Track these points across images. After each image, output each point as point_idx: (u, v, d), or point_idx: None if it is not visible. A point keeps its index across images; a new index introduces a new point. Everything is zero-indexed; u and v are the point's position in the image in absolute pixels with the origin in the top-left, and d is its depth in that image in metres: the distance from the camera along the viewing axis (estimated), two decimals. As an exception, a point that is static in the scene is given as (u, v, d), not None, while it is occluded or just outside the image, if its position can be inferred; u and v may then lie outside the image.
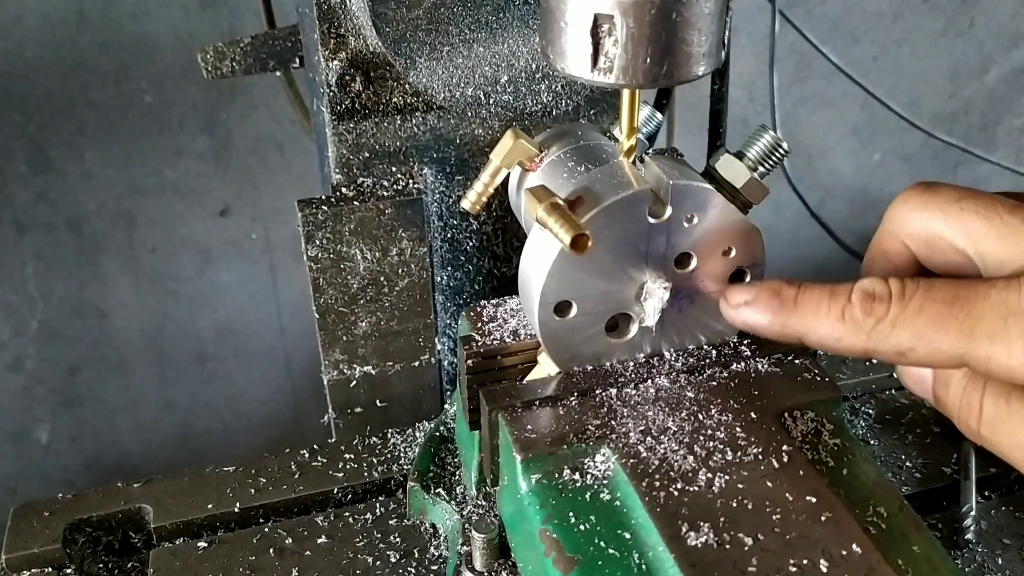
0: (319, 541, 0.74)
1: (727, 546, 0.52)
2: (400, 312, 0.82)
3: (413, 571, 0.72)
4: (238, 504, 0.77)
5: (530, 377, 0.67)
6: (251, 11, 1.38)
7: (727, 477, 0.56)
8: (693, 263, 0.63)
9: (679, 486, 0.56)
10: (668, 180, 0.59)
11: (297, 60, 0.95)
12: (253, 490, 0.79)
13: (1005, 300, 0.45)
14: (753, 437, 0.59)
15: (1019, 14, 1.88)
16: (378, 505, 0.78)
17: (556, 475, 0.58)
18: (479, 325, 0.68)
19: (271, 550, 0.73)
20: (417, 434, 0.85)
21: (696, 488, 0.56)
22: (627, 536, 0.55)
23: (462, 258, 0.87)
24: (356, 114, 0.78)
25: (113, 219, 1.53)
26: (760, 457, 0.58)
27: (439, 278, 0.87)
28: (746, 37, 1.63)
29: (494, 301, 0.70)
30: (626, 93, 0.60)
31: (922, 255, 0.53)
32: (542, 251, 0.60)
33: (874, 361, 0.91)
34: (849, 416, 0.85)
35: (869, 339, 0.48)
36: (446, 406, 0.84)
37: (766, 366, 0.66)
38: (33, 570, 0.73)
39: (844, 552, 0.51)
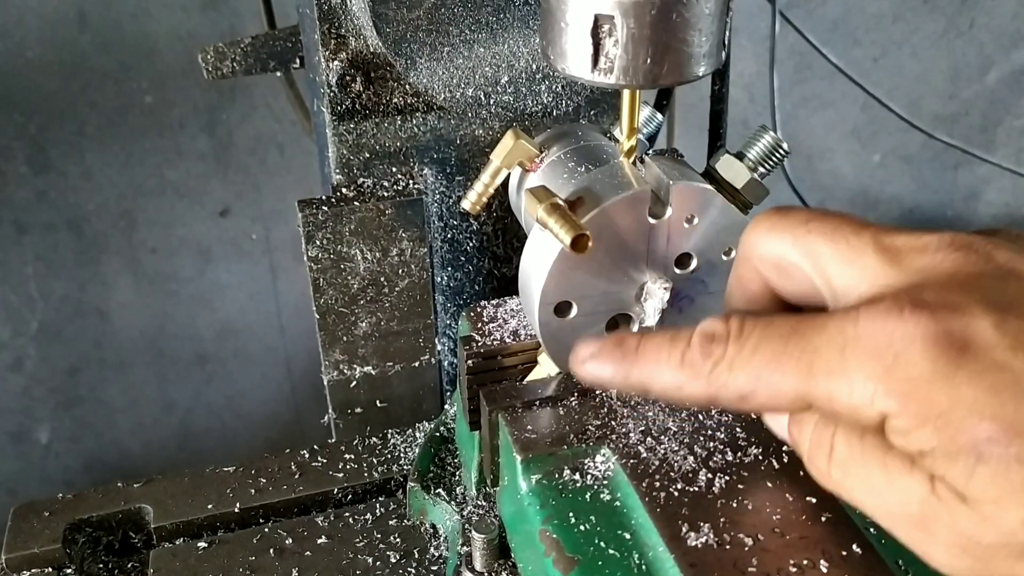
0: (319, 541, 0.74)
1: (727, 546, 0.52)
2: (400, 312, 0.82)
3: (413, 571, 0.72)
4: (238, 504, 0.77)
5: (530, 377, 0.67)
6: (251, 12, 1.38)
7: (727, 477, 0.56)
8: (693, 263, 0.63)
9: (679, 486, 0.56)
10: (668, 180, 0.59)
11: (297, 60, 0.95)
12: (253, 490, 0.79)
13: (842, 331, 0.41)
14: (753, 437, 0.59)
15: (1019, 15, 1.88)
16: (378, 505, 0.78)
17: (556, 475, 0.58)
18: (479, 325, 0.68)
19: (271, 550, 0.73)
20: (417, 434, 0.85)
21: (696, 488, 0.56)
22: (627, 536, 0.55)
23: (462, 258, 0.87)
24: (356, 114, 0.78)
25: (113, 219, 1.53)
26: (760, 458, 0.58)
27: (439, 278, 0.87)
28: (746, 38, 1.63)
29: (494, 301, 0.70)
30: (626, 93, 0.60)
31: (774, 282, 0.49)
32: (542, 251, 0.60)
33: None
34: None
35: (709, 385, 0.44)
36: (446, 406, 0.84)
37: (766, 367, 0.66)
38: (33, 570, 0.73)
39: (844, 553, 0.51)
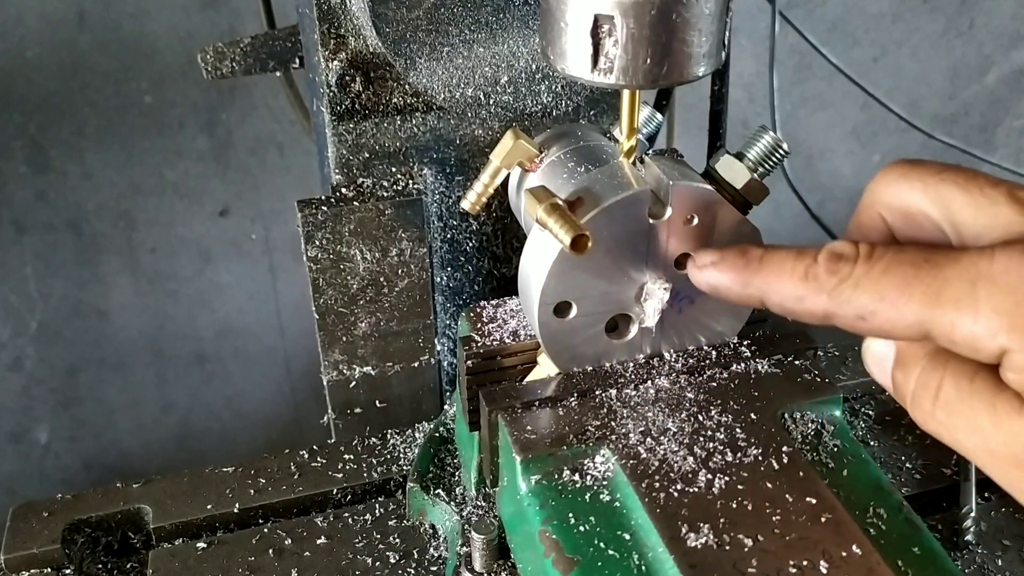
0: (318, 542, 0.74)
1: (727, 547, 0.52)
2: (400, 313, 0.82)
3: (412, 572, 0.72)
4: (237, 505, 0.77)
5: (530, 378, 0.67)
6: (251, 11, 1.38)
7: (727, 478, 0.56)
8: (693, 264, 0.63)
9: (679, 487, 0.56)
10: (668, 181, 0.59)
11: (297, 60, 0.94)
12: (252, 491, 0.78)
13: (975, 264, 0.42)
14: (753, 438, 0.59)
15: (1019, 15, 1.88)
16: (377, 506, 0.78)
17: (556, 476, 0.58)
18: (479, 326, 0.68)
19: (270, 551, 0.73)
20: (417, 435, 0.85)
21: (696, 489, 0.56)
22: (627, 537, 0.55)
23: (462, 259, 0.87)
24: (356, 114, 0.78)
25: (113, 219, 1.53)
26: (760, 458, 0.58)
27: (439, 279, 0.87)
28: (746, 38, 1.63)
29: (494, 302, 0.70)
30: (626, 94, 0.60)
31: (898, 228, 0.50)
32: (542, 252, 0.60)
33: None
34: (849, 417, 0.85)
35: (830, 299, 0.46)
36: (446, 407, 0.84)
37: (766, 367, 0.66)
38: (32, 570, 0.73)
39: (844, 553, 0.51)
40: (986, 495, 0.78)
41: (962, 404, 0.44)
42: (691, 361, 0.66)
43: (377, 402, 0.86)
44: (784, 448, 0.58)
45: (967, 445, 0.44)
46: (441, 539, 0.74)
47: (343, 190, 0.79)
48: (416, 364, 0.85)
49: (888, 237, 0.51)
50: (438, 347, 0.86)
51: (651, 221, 0.60)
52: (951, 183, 0.47)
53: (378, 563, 0.72)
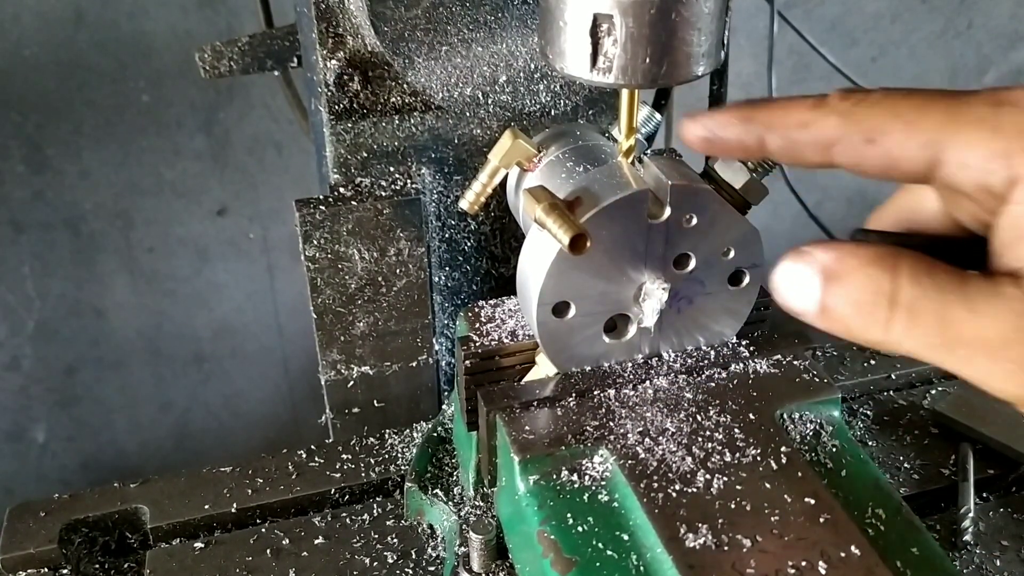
0: (316, 542, 0.74)
1: (725, 548, 0.52)
2: (398, 312, 0.82)
3: (411, 572, 0.72)
4: (235, 505, 0.77)
5: (528, 378, 0.67)
6: (249, 10, 1.37)
7: (725, 478, 0.56)
8: (692, 264, 0.63)
9: (677, 487, 0.56)
10: (667, 181, 0.59)
11: (295, 60, 0.94)
12: (250, 490, 0.78)
13: (999, 91, 0.41)
14: (752, 438, 0.59)
15: (1017, 15, 1.88)
16: (375, 506, 0.78)
17: (554, 476, 0.58)
18: (477, 325, 0.68)
19: (268, 551, 0.73)
20: (415, 435, 0.84)
21: (695, 489, 0.55)
22: (625, 537, 0.54)
23: (460, 258, 0.87)
24: (354, 114, 0.78)
25: (110, 219, 1.53)
26: (759, 458, 0.58)
27: (437, 278, 0.87)
28: (744, 38, 1.63)
29: (492, 301, 0.70)
30: (625, 93, 0.60)
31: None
32: (540, 251, 0.60)
33: (872, 362, 0.91)
34: (847, 417, 0.85)
35: (840, 120, 0.43)
36: (444, 407, 0.84)
37: (765, 367, 0.66)
38: (29, 570, 0.73)
39: (843, 554, 0.51)
40: (984, 495, 0.78)
41: (928, 300, 0.41)
42: (690, 361, 0.66)
43: (375, 402, 0.86)
44: (783, 448, 0.58)
45: (933, 349, 0.41)
46: (439, 539, 0.74)
47: (341, 190, 0.79)
48: (414, 364, 0.85)
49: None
50: (436, 347, 0.85)
51: (650, 221, 0.60)
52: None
53: (376, 563, 0.72)
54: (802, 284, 0.44)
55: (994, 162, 0.40)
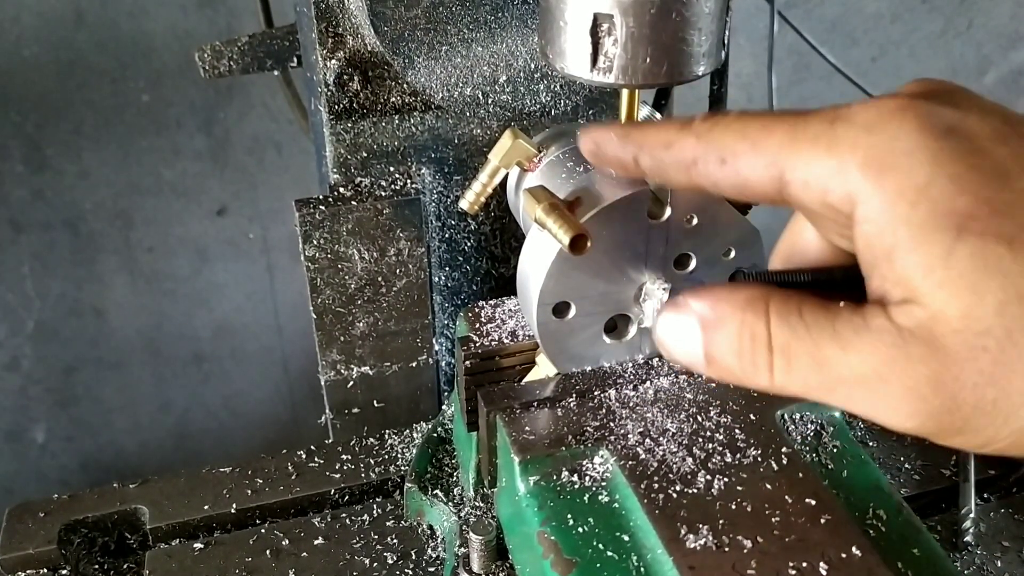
0: (316, 542, 0.74)
1: (726, 549, 0.51)
2: (398, 312, 0.82)
3: (410, 573, 0.72)
4: (235, 505, 0.77)
5: (528, 378, 0.66)
6: (249, 10, 1.37)
7: (726, 479, 0.56)
8: (692, 264, 0.63)
9: (678, 488, 0.55)
10: (667, 181, 0.59)
11: (295, 59, 0.94)
12: (250, 491, 0.78)
13: (837, 109, 0.41)
14: (752, 439, 0.59)
15: (1017, 16, 1.88)
16: (375, 506, 0.78)
17: (554, 477, 0.58)
18: (477, 326, 0.67)
19: (268, 551, 0.73)
20: (415, 435, 0.84)
21: (695, 490, 0.55)
22: (626, 538, 0.54)
23: (460, 258, 0.87)
24: (354, 114, 0.78)
25: (110, 218, 1.53)
26: (759, 459, 0.57)
27: (437, 278, 0.87)
28: (744, 38, 1.63)
29: (492, 302, 0.70)
30: (625, 93, 0.60)
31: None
32: (541, 252, 0.60)
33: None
34: (848, 418, 0.85)
35: (697, 142, 0.44)
36: (444, 407, 0.84)
37: (765, 368, 0.65)
38: (28, 571, 0.73)
39: (844, 555, 0.51)
40: (985, 496, 0.78)
41: (799, 341, 0.41)
42: (690, 361, 0.66)
43: (375, 402, 0.86)
44: (783, 449, 0.58)
45: (814, 388, 0.41)
46: (439, 540, 0.74)
47: (341, 189, 0.79)
48: (414, 364, 0.85)
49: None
50: (436, 347, 0.85)
51: (650, 221, 0.60)
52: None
53: (376, 564, 0.72)
54: (683, 336, 0.44)
55: (831, 179, 0.40)
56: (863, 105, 0.41)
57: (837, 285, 0.44)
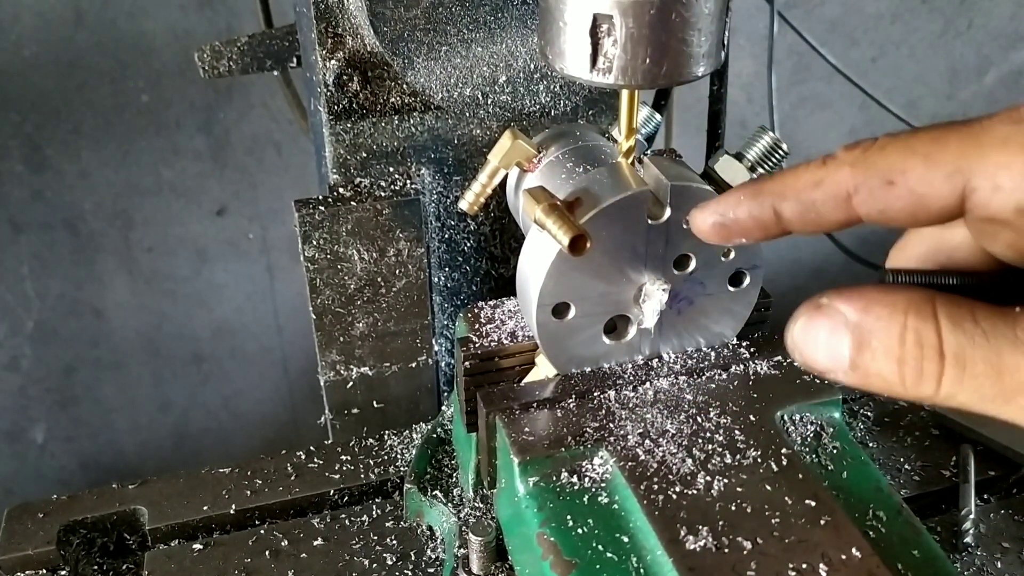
0: (315, 543, 0.74)
1: (726, 550, 0.51)
2: (397, 313, 0.82)
3: (410, 573, 0.72)
4: (234, 506, 0.77)
5: (528, 379, 0.66)
6: (248, 10, 1.37)
7: (726, 480, 0.56)
8: (692, 265, 0.63)
9: (678, 489, 0.55)
10: (667, 181, 0.59)
11: (294, 60, 0.94)
12: (249, 492, 0.78)
13: (1017, 110, 0.37)
14: (752, 440, 0.59)
15: (1017, 16, 1.88)
16: (375, 507, 0.78)
17: (554, 478, 0.58)
18: (477, 326, 0.67)
19: (267, 552, 0.73)
20: (414, 436, 0.84)
21: (695, 491, 0.55)
22: (625, 539, 0.54)
23: (460, 259, 0.87)
24: (353, 114, 0.78)
25: (109, 218, 1.53)
26: (759, 460, 0.57)
27: (436, 279, 0.87)
28: (744, 38, 1.63)
29: (492, 302, 0.70)
30: (625, 94, 0.60)
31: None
32: (540, 252, 0.60)
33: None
34: (848, 418, 0.85)
35: (854, 170, 0.40)
36: (443, 408, 0.84)
37: (765, 368, 0.65)
38: (27, 572, 0.72)
39: (843, 556, 0.51)
40: (985, 497, 0.78)
41: (976, 348, 0.37)
42: (690, 362, 0.66)
43: (374, 403, 0.86)
44: (783, 450, 0.58)
45: (993, 398, 0.37)
46: (438, 541, 0.74)
47: (340, 190, 0.79)
48: (414, 365, 0.85)
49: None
50: (436, 348, 0.85)
51: (650, 222, 0.60)
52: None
53: (375, 564, 0.72)
54: (828, 342, 0.41)
55: None
56: None
57: (988, 292, 0.41)
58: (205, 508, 0.77)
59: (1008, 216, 0.38)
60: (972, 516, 0.74)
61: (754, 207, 0.45)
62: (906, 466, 0.80)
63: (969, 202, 0.38)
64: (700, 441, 0.59)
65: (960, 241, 0.44)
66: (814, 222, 0.44)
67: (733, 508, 0.54)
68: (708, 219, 0.47)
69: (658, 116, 0.79)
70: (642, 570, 0.52)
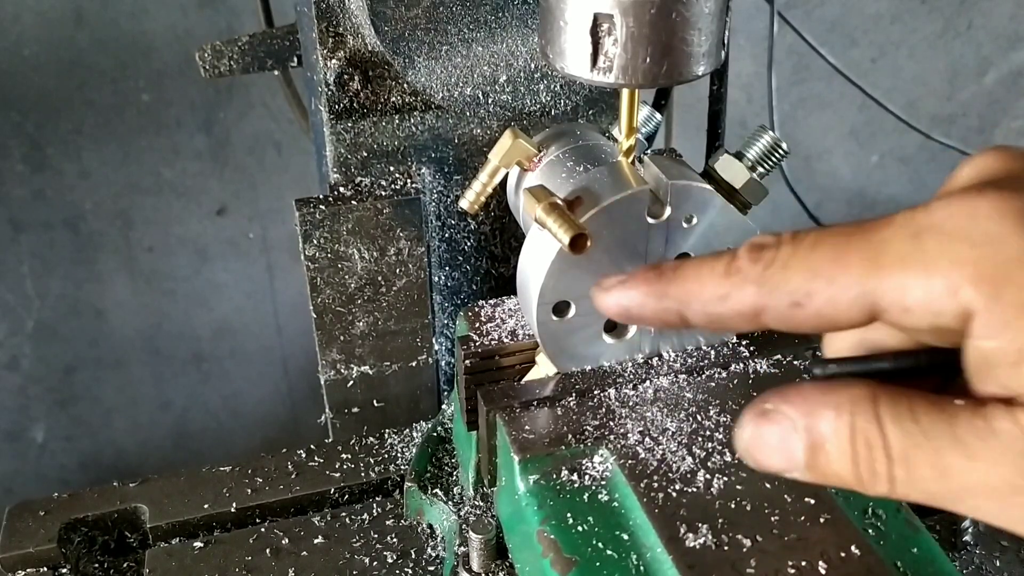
0: (316, 541, 0.74)
1: (725, 548, 0.52)
2: (398, 312, 0.82)
3: (410, 572, 0.72)
4: (234, 504, 0.77)
5: (528, 377, 0.67)
6: (249, 10, 1.38)
7: (726, 478, 0.56)
8: (692, 264, 0.63)
9: (678, 487, 0.56)
10: (667, 180, 0.59)
11: (295, 59, 0.94)
12: (249, 490, 0.78)
13: (912, 219, 0.36)
14: (752, 438, 0.59)
15: (1017, 16, 1.88)
16: (375, 505, 0.78)
17: (554, 476, 0.58)
18: (477, 325, 0.68)
19: (267, 550, 0.73)
20: (414, 434, 0.84)
21: (695, 489, 0.55)
22: (625, 537, 0.54)
23: (460, 258, 0.87)
24: (354, 113, 0.78)
25: (110, 218, 1.53)
26: (759, 458, 0.57)
27: (437, 278, 0.87)
28: (744, 38, 1.63)
29: (492, 301, 0.70)
30: (625, 93, 0.60)
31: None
32: (541, 251, 0.60)
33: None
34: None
35: (758, 289, 0.39)
36: (444, 406, 0.84)
37: (765, 367, 0.66)
38: (28, 570, 0.73)
39: (842, 554, 0.51)
40: (984, 496, 0.78)
41: (919, 449, 0.36)
42: (690, 361, 0.66)
43: (375, 401, 0.86)
44: (783, 448, 0.58)
45: (942, 497, 0.37)
46: (439, 539, 0.74)
47: (341, 189, 0.79)
48: (414, 363, 0.85)
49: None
50: (436, 346, 0.85)
51: (650, 221, 0.60)
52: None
53: (375, 563, 0.72)
54: (780, 446, 0.40)
55: (940, 300, 0.35)
56: (944, 209, 0.36)
57: (922, 372, 0.41)
58: (206, 506, 0.77)
59: (924, 329, 0.37)
60: (971, 515, 0.74)
61: (659, 310, 0.43)
62: (905, 465, 0.80)
63: (882, 318, 0.38)
64: (700, 439, 0.59)
65: (887, 329, 0.43)
66: (724, 330, 0.44)
67: (733, 506, 0.54)
68: (612, 305, 0.45)
69: (658, 115, 0.79)
70: (642, 567, 0.52)
